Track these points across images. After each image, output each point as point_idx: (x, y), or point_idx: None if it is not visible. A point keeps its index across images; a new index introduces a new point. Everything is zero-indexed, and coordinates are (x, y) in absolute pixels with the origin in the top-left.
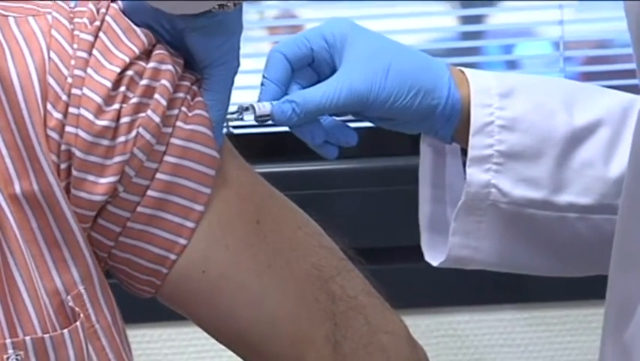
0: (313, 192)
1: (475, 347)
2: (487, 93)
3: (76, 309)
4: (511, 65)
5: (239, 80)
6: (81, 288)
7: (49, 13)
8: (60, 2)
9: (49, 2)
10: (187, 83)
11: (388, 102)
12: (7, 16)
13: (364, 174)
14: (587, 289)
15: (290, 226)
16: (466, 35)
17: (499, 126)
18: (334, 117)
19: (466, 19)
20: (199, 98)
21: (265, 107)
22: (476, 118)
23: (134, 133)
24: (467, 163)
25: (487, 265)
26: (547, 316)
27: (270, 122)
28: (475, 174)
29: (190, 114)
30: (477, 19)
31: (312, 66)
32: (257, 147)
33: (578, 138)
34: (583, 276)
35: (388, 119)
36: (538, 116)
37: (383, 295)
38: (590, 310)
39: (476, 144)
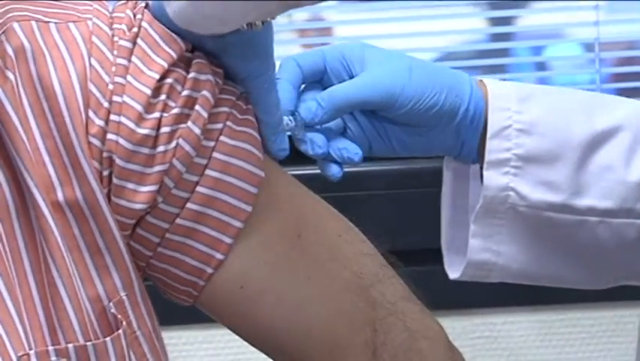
0: (345, 194)
1: (510, 349)
2: (505, 97)
3: (119, 316)
4: (542, 67)
5: None
6: (123, 295)
7: (90, 19)
8: (100, 8)
9: (90, 8)
10: (231, 98)
11: (414, 99)
12: (47, 22)
13: (399, 175)
14: (622, 290)
15: (330, 235)
16: (496, 37)
17: (517, 130)
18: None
19: (496, 21)
20: (248, 116)
21: None
22: (494, 122)
23: (173, 143)
24: (484, 166)
25: (510, 273)
26: (583, 317)
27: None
28: (493, 178)
29: (237, 129)
30: (507, 20)
31: (325, 81)
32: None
33: (597, 141)
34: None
35: (415, 126)
36: (557, 119)
37: (419, 297)
38: (625, 312)
39: (494, 148)
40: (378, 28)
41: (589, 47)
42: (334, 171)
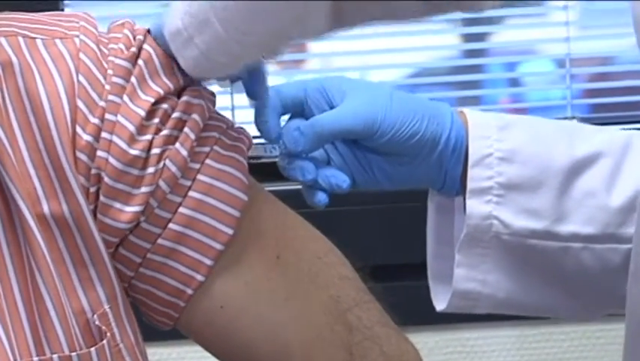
0: (325, 209)
1: None
2: (485, 126)
3: (103, 328)
4: (515, 83)
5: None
6: (106, 307)
7: (77, 36)
8: (87, 25)
9: (76, 25)
10: (221, 125)
11: (395, 127)
12: (34, 38)
13: (380, 191)
14: None
15: (310, 257)
16: (469, 53)
17: (498, 158)
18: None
19: (469, 37)
20: (238, 144)
21: (257, 149)
22: (474, 150)
23: (161, 165)
24: (467, 195)
25: (496, 303)
26: (556, 332)
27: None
28: (476, 206)
29: (224, 154)
30: (480, 37)
31: (307, 113)
32: (267, 167)
33: (578, 168)
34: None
35: (397, 155)
36: (537, 147)
37: (392, 312)
38: (598, 327)
39: (475, 176)
40: (352, 44)
41: (561, 63)
42: (321, 198)
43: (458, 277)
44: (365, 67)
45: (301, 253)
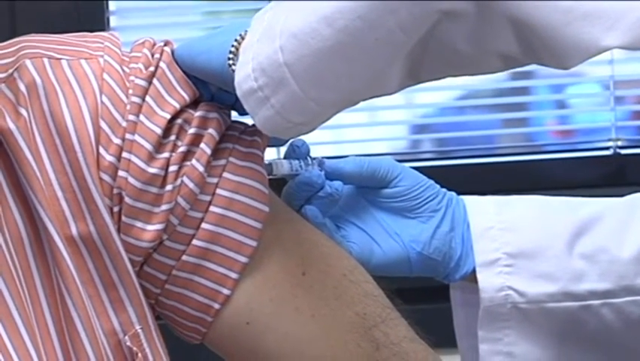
0: None
1: None
2: (481, 202)
3: (134, 349)
4: (561, 105)
5: None
6: (138, 328)
7: (101, 56)
8: (111, 46)
9: (101, 45)
10: (235, 133)
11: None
12: (59, 59)
13: None
14: None
15: (335, 275)
16: (516, 75)
17: (500, 230)
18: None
19: None
20: (253, 150)
21: (283, 167)
22: (475, 224)
23: (178, 181)
24: (477, 270)
25: None
26: None
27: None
28: (488, 279)
29: (241, 164)
30: None
31: None
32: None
33: (583, 227)
34: None
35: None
36: (538, 215)
37: (423, 335)
38: None
39: (481, 249)
40: None
41: (606, 85)
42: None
43: (483, 352)
44: (412, 89)
45: (326, 271)
